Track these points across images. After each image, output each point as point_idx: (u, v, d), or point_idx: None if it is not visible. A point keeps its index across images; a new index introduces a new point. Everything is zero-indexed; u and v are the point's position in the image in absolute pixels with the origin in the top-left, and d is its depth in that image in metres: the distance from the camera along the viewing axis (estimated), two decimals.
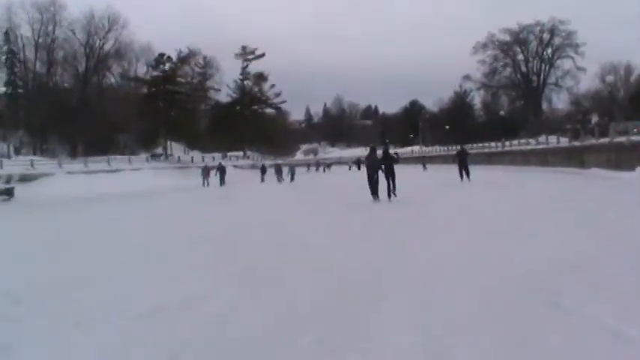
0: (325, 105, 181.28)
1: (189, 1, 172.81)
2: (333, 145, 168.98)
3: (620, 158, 29.94)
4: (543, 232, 10.10)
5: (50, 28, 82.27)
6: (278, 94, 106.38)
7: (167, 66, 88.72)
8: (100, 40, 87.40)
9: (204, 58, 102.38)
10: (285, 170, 48.62)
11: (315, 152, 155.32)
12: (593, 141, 37.33)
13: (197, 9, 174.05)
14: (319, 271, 7.74)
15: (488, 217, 13.26)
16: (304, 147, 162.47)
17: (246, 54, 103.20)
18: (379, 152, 20.66)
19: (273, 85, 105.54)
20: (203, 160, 72.53)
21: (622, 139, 31.88)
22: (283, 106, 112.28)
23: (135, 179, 46.25)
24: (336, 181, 43.30)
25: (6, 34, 78.60)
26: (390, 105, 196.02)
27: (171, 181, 47.36)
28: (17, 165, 48.76)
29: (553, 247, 8.48)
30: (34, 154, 68.77)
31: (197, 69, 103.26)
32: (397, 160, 20.11)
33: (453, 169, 31.76)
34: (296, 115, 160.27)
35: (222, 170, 45.22)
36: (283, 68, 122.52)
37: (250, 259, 9.05)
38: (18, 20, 79.30)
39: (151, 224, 17.49)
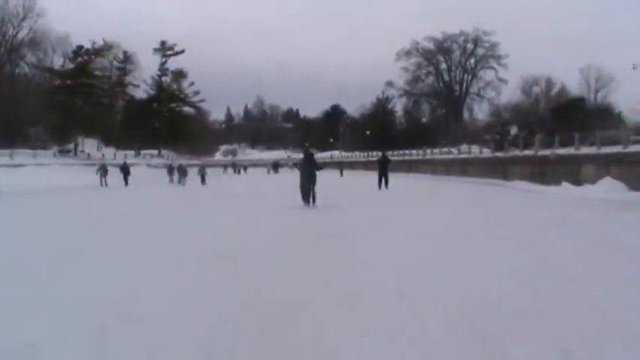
0: (246, 106, 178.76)
1: None
2: (253, 147, 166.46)
3: (545, 171, 28.95)
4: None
5: None
6: (197, 92, 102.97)
7: (84, 58, 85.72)
8: (14, 27, 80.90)
9: (125, 53, 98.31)
10: (195, 171, 45.86)
11: (234, 153, 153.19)
12: (517, 152, 36.45)
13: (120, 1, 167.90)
14: None
15: (400, 234, 11.56)
16: (224, 147, 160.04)
17: (165, 49, 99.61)
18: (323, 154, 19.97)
19: (192, 83, 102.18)
20: (115, 157, 68.87)
21: (547, 152, 30.95)
22: (203, 106, 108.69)
23: (37, 175, 42.30)
24: (252, 185, 41.06)
25: None
26: (312, 109, 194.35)
27: (75, 179, 42.81)
28: None
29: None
30: None
31: (116, 63, 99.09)
32: (320, 167, 19.68)
33: (373, 175, 30.85)
34: (216, 114, 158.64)
35: (125, 169, 42.02)
36: (204, 67, 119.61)
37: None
38: None
39: None
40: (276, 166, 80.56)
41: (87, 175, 44.83)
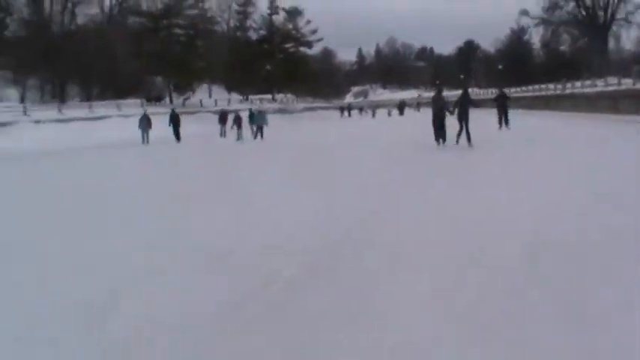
0: (378, 45, 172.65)
1: None
2: (384, 87, 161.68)
3: None
4: None
5: None
6: (314, 31, 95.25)
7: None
8: None
9: None
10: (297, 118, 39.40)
11: (365, 94, 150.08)
12: None
13: None
14: None
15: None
16: (355, 89, 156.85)
17: None
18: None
19: (309, 22, 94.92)
20: (216, 105, 64.43)
21: None
22: (330, 46, 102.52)
23: (123, 128, 36.76)
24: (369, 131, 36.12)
25: None
26: (447, 46, 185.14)
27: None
28: None
29: None
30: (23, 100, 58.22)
31: (235, 6, 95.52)
32: (475, 103, 19.87)
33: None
34: (347, 55, 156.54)
35: (174, 119, 33.36)
36: (331, 7, 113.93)
37: None
38: None
39: None
40: (401, 106, 73.19)
41: (193, 124, 41.30)
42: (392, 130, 34.53)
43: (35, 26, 64.81)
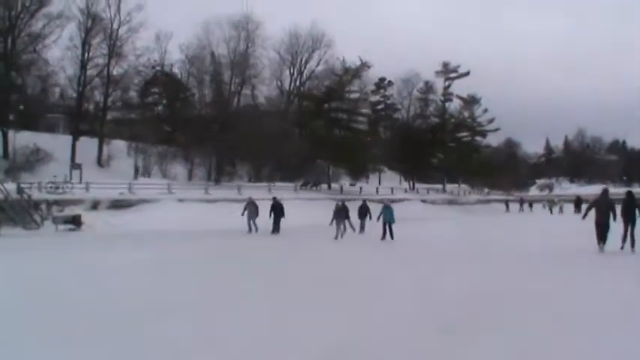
0: (566, 138, 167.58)
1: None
2: (572, 181, 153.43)
3: None
4: None
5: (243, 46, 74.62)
6: (491, 121, 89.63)
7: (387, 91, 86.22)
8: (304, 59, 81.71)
9: (426, 83, 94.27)
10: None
11: (550, 188, 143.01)
12: None
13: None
14: None
15: None
16: (539, 182, 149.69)
17: (448, 72, 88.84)
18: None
19: (486, 110, 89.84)
20: (377, 193, 60.35)
21: None
22: (515, 137, 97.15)
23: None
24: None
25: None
26: None
27: (318, 214, 34.49)
28: (114, 189, 39.09)
29: None
30: (191, 177, 62.70)
31: (417, 94, 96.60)
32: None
33: None
34: (535, 147, 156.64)
35: (277, 208, 29.49)
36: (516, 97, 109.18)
37: None
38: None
39: None
40: (578, 203, 63.85)
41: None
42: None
43: (215, 104, 68.06)
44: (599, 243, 17.23)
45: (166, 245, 22.13)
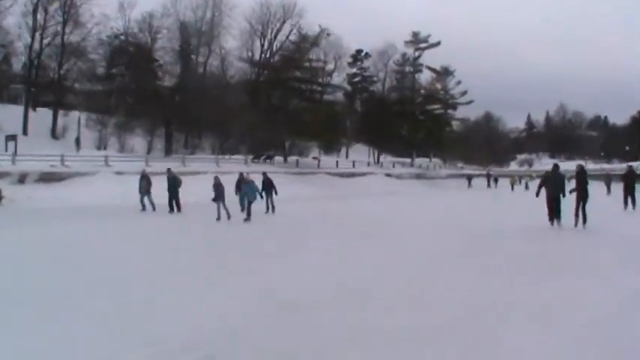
0: (547, 113, 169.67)
1: None
2: (552, 157, 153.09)
3: None
4: None
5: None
6: (464, 93, 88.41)
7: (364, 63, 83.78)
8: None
9: (403, 55, 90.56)
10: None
11: (530, 163, 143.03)
12: None
13: None
14: None
15: None
16: (520, 157, 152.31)
17: (418, 41, 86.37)
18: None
19: (459, 82, 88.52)
20: (337, 166, 58.52)
21: None
22: (495, 111, 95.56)
23: (194, 188, 28.88)
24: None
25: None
26: (624, 116, 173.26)
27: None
28: (48, 161, 35.97)
29: None
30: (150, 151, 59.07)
31: (394, 66, 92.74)
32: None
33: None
34: (516, 122, 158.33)
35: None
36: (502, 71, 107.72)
37: None
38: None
39: None
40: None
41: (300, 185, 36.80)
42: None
43: (179, 75, 65.76)
44: (550, 219, 17.51)
45: (69, 223, 19.75)
